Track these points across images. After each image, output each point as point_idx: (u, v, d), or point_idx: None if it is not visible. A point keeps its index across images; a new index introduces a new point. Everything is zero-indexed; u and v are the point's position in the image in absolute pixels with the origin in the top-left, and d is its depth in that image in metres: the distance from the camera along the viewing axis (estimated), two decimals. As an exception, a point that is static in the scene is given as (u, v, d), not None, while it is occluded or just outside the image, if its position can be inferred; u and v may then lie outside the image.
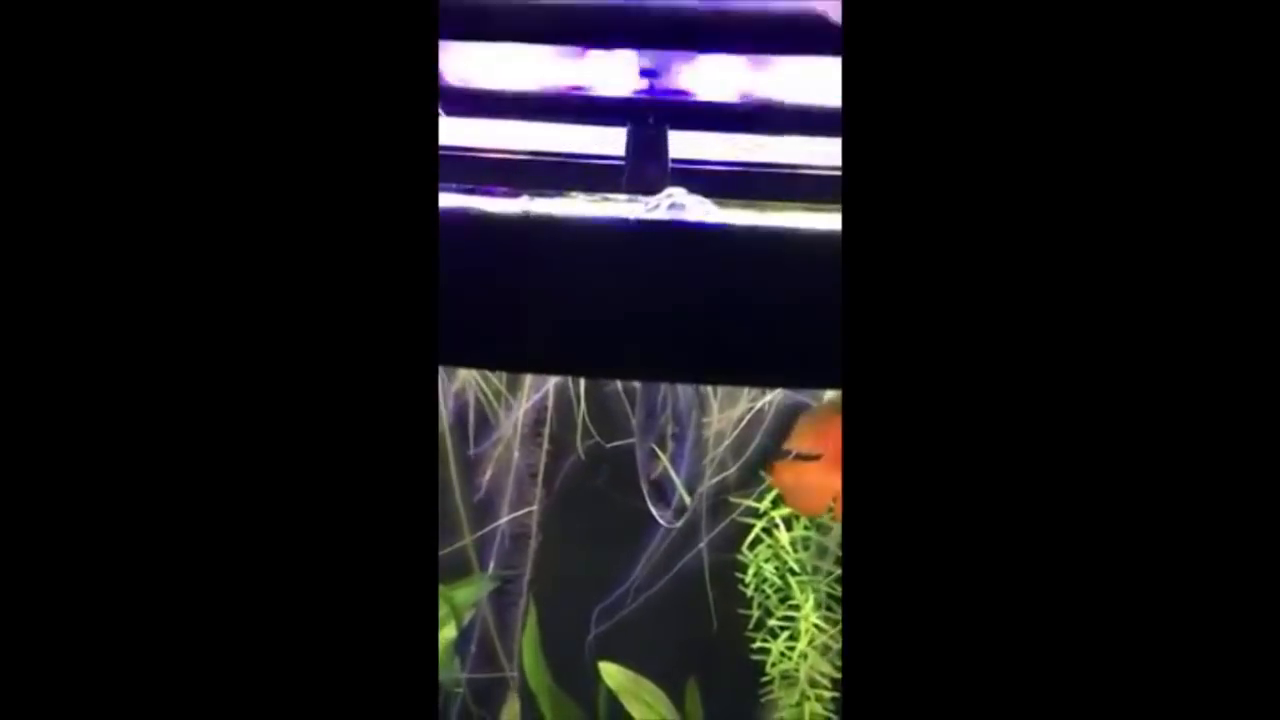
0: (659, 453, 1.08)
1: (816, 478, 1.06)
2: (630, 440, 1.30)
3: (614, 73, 0.72)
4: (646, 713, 1.37)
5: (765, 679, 1.35)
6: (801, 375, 0.43)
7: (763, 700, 1.36)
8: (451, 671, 1.40)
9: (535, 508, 1.40)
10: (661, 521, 1.15)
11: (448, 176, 0.34)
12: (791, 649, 1.34)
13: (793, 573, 1.33)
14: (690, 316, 0.39)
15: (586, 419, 1.38)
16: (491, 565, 1.41)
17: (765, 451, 1.35)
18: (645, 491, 1.11)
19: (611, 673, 1.38)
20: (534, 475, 1.40)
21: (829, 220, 0.49)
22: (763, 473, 1.29)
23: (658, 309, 0.39)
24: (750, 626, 1.35)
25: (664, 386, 1.04)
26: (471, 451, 1.39)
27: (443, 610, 1.33)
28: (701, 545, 1.39)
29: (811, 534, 1.34)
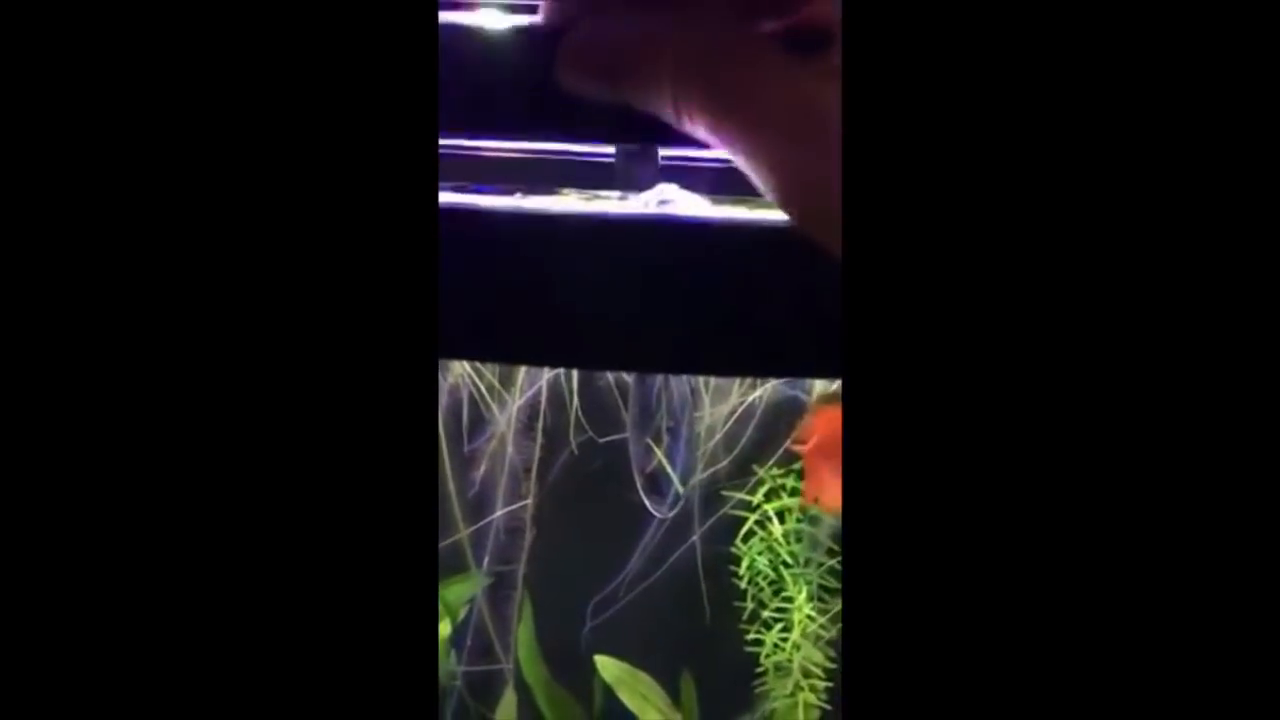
0: (653, 446, 1.08)
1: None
2: (623, 435, 1.30)
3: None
4: (642, 705, 1.37)
5: (759, 670, 1.35)
6: (799, 365, 0.43)
7: (757, 691, 1.36)
8: (447, 665, 1.40)
9: (529, 502, 1.40)
10: (655, 514, 1.15)
11: (443, 175, 0.35)
12: (785, 640, 1.34)
13: (785, 565, 1.33)
14: (685, 309, 0.39)
15: (580, 414, 1.38)
16: (486, 560, 1.41)
17: (759, 445, 1.35)
18: (639, 484, 1.11)
19: (607, 665, 1.38)
20: (528, 470, 1.40)
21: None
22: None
23: (651, 302, 0.40)
24: (744, 618, 1.35)
25: (658, 381, 1.04)
26: (466, 447, 1.39)
27: (438, 606, 1.33)
28: (695, 538, 1.39)
29: (804, 526, 1.34)
